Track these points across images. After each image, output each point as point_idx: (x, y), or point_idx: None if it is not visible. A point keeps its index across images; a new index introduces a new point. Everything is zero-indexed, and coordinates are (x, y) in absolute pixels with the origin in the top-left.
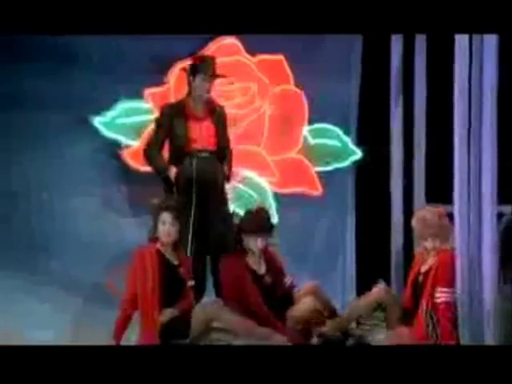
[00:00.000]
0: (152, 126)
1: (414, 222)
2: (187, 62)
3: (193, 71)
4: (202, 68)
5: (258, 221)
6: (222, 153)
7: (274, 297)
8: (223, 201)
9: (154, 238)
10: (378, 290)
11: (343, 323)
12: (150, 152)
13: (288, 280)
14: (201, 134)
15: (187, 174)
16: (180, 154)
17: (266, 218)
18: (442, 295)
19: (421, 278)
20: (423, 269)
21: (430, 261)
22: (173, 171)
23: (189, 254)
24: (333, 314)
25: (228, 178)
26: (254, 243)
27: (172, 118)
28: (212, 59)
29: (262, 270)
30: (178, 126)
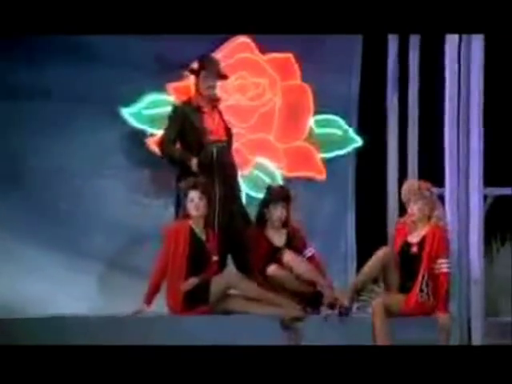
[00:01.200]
0: (165, 124)
1: (402, 191)
2: (194, 63)
3: (198, 71)
4: (207, 68)
5: (275, 191)
6: (231, 142)
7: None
8: (234, 181)
9: (185, 216)
10: (383, 251)
11: (356, 287)
12: (168, 147)
13: (309, 252)
14: (214, 126)
15: (209, 160)
16: (199, 144)
17: (283, 189)
18: (442, 266)
19: (414, 248)
20: (413, 239)
21: (421, 231)
22: (193, 160)
23: (216, 228)
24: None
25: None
26: (274, 211)
27: (186, 115)
28: (215, 60)
29: (281, 242)
30: (194, 120)
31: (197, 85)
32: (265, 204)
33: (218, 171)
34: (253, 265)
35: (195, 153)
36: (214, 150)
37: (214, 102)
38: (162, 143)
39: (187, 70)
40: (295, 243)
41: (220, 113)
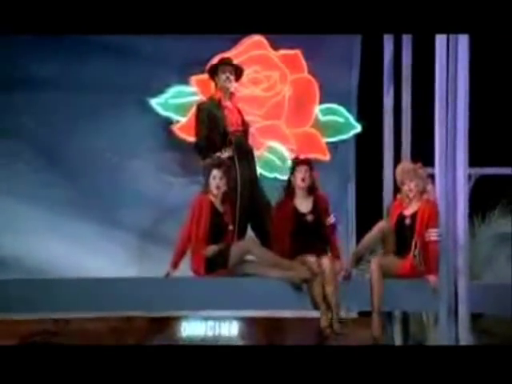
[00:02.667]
0: (194, 122)
1: (397, 171)
2: (212, 63)
3: (215, 70)
4: (223, 66)
5: (298, 158)
6: (247, 130)
7: (315, 233)
8: (252, 165)
9: (206, 191)
10: (381, 224)
11: (358, 255)
12: (200, 143)
13: (331, 219)
14: (233, 118)
15: (229, 148)
16: (222, 135)
17: (306, 158)
18: (431, 235)
19: (408, 220)
20: (408, 212)
21: (414, 205)
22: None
23: (238, 204)
24: None
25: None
26: (298, 174)
27: (210, 111)
28: (229, 60)
29: (307, 208)
30: (216, 115)
31: (216, 81)
32: (291, 172)
33: (238, 156)
34: (277, 230)
35: (220, 142)
36: (234, 139)
37: (231, 95)
38: (197, 141)
39: (206, 68)
40: (319, 210)
41: (237, 105)
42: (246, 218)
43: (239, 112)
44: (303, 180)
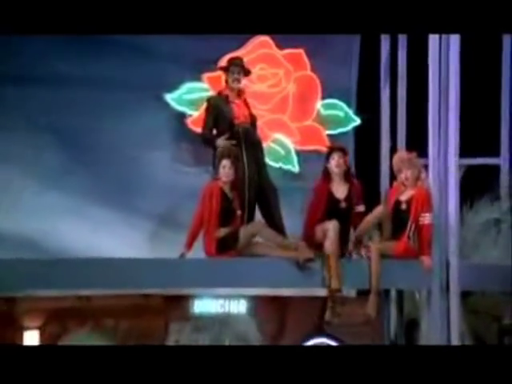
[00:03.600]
0: (203, 114)
1: (393, 161)
2: (222, 61)
3: (226, 69)
4: (233, 67)
5: (332, 145)
6: (254, 123)
7: (346, 219)
8: (258, 153)
9: (217, 178)
10: (378, 209)
11: (357, 238)
12: (206, 134)
13: (360, 207)
14: (240, 112)
15: (236, 139)
16: (229, 127)
17: (337, 145)
18: (425, 218)
19: (404, 205)
20: (403, 198)
21: (409, 191)
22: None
23: (246, 190)
24: None
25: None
26: (332, 161)
27: (217, 105)
28: (240, 59)
29: (343, 195)
30: (223, 109)
31: (226, 79)
32: (326, 158)
33: (245, 146)
34: (312, 213)
35: (226, 133)
36: (240, 130)
37: (239, 92)
38: (203, 132)
39: (217, 68)
40: (353, 198)
41: (245, 100)
42: (254, 203)
43: (247, 106)
44: (337, 166)
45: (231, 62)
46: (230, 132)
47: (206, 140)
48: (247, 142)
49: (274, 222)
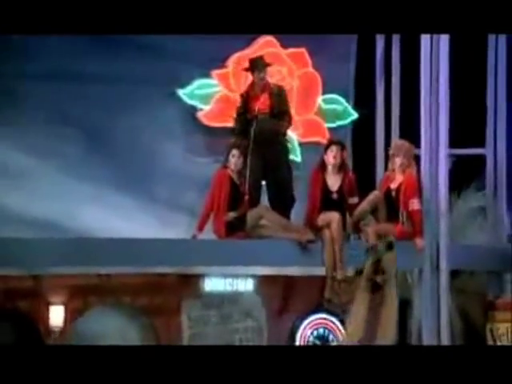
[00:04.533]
0: (237, 106)
1: (391, 146)
2: (247, 60)
3: (252, 67)
4: (257, 65)
5: (331, 138)
6: (277, 114)
7: (338, 209)
8: (277, 142)
9: (226, 166)
10: (373, 194)
11: (354, 223)
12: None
13: (354, 199)
14: (260, 104)
15: (252, 128)
16: (249, 117)
17: (336, 139)
18: (414, 204)
19: (394, 193)
20: (393, 186)
21: (398, 178)
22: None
23: (247, 178)
24: None
25: (282, 130)
26: (330, 153)
27: (245, 99)
28: (261, 58)
29: (335, 186)
30: (248, 102)
31: (252, 79)
32: (325, 150)
33: (258, 134)
34: (308, 209)
35: (247, 122)
36: (255, 121)
37: (263, 87)
38: (235, 119)
39: (243, 69)
40: (346, 190)
41: (270, 93)
42: (260, 189)
43: (270, 99)
44: (334, 158)
45: (254, 63)
46: (246, 123)
47: (233, 131)
48: (261, 131)
49: (279, 206)
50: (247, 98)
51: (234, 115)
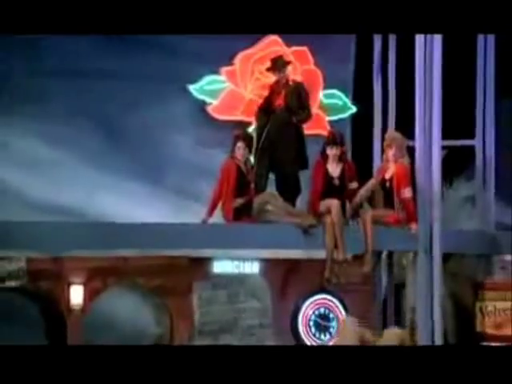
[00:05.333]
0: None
1: (386, 138)
2: (269, 63)
3: (273, 67)
4: (278, 64)
5: (328, 136)
6: (291, 109)
7: (339, 194)
8: (290, 136)
9: (233, 157)
10: (370, 182)
11: (353, 209)
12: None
13: (354, 184)
14: (278, 100)
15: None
16: (268, 111)
17: (339, 134)
18: (406, 192)
19: (388, 183)
20: (387, 176)
21: (391, 169)
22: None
23: (256, 167)
24: None
25: (298, 124)
26: (331, 150)
27: (269, 96)
28: (281, 58)
29: (336, 174)
30: (271, 98)
31: (276, 78)
32: (326, 144)
33: (273, 127)
34: (311, 195)
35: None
36: (272, 115)
37: (284, 85)
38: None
39: (266, 69)
40: (346, 176)
41: (288, 90)
42: (266, 176)
43: (286, 93)
44: (335, 155)
45: (275, 62)
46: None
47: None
48: (276, 127)
49: (291, 195)
50: (271, 95)
51: (256, 110)
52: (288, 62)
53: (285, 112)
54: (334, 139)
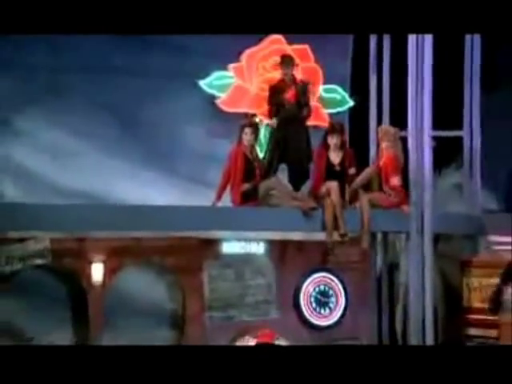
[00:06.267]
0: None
1: (378, 132)
2: (278, 60)
3: (281, 64)
4: (285, 62)
5: (329, 126)
6: (300, 105)
7: (340, 179)
8: (299, 130)
9: (240, 142)
10: (369, 168)
11: (351, 193)
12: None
13: (352, 170)
14: (288, 96)
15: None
16: (279, 106)
17: (339, 125)
18: (395, 180)
19: (380, 170)
20: (381, 163)
21: (383, 158)
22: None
23: (269, 153)
24: None
25: (303, 118)
26: (331, 140)
27: (274, 92)
28: (290, 57)
29: (337, 160)
30: (278, 93)
31: (282, 72)
32: (327, 133)
33: (283, 120)
34: (313, 181)
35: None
36: (282, 109)
37: (292, 81)
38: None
39: (274, 65)
40: (346, 162)
41: (296, 88)
42: (273, 163)
43: (293, 93)
44: (335, 144)
45: (284, 60)
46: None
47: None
48: (287, 117)
49: (299, 181)
50: (277, 90)
51: (267, 104)
52: (295, 64)
53: (295, 107)
54: (334, 129)
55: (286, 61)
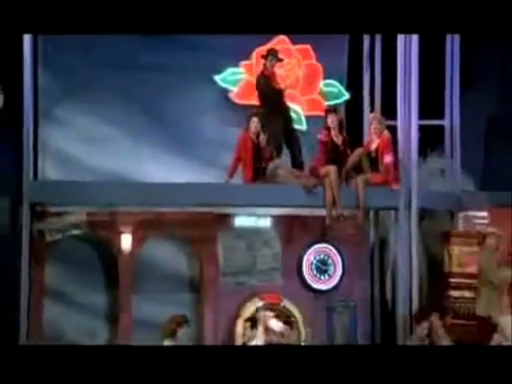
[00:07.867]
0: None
1: (369, 118)
2: (263, 50)
3: (266, 57)
4: (270, 55)
5: (326, 108)
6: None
7: (342, 157)
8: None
9: (247, 129)
10: (358, 150)
11: (347, 170)
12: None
13: (388, 158)
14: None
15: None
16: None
17: (334, 107)
18: (388, 159)
19: (373, 153)
20: (373, 147)
21: (375, 141)
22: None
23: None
24: None
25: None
26: (330, 119)
27: (264, 83)
28: (275, 51)
29: (339, 141)
30: (268, 84)
31: (264, 63)
32: (325, 118)
33: (272, 107)
34: (318, 161)
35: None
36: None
37: (273, 73)
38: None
39: (261, 56)
40: (346, 145)
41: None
42: (278, 146)
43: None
44: (332, 123)
45: (269, 52)
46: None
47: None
48: (275, 105)
49: (296, 159)
50: (267, 78)
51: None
52: (279, 59)
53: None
54: (329, 109)
55: (272, 54)
